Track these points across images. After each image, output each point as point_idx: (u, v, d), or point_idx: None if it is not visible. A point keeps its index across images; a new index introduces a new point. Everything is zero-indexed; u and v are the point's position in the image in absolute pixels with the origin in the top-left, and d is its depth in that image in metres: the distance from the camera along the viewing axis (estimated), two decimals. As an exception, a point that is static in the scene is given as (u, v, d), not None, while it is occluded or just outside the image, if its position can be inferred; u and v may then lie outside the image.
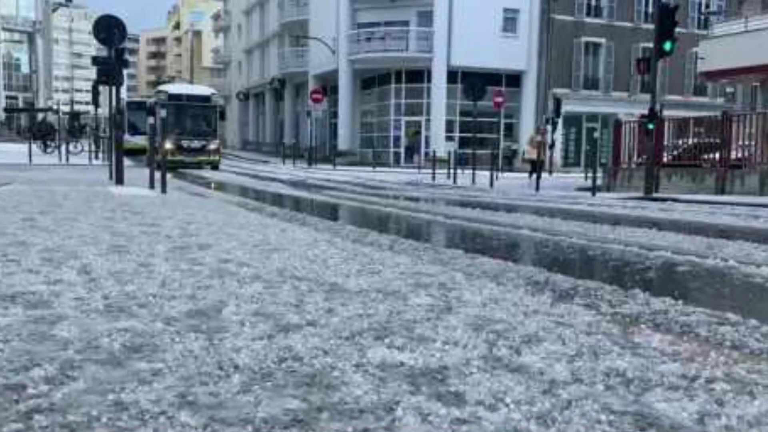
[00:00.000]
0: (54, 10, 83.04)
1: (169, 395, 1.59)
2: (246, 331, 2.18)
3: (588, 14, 34.68)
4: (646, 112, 14.38)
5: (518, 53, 33.20)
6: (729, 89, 34.28)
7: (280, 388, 1.67)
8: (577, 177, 22.92)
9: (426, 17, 32.78)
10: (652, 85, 14.74)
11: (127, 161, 13.48)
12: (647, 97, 15.05)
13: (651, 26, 16.31)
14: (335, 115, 37.03)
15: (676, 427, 1.50)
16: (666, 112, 19.59)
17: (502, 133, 33.18)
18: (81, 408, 1.50)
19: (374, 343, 2.09)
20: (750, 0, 30.00)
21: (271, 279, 3.13)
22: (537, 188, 15.64)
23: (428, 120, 33.15)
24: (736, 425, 1.50)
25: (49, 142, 30.08)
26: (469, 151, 22.28)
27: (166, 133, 14.32)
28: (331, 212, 8.74)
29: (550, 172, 26.07)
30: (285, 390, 1.66)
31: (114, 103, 13.03)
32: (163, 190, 10.16)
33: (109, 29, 12.10)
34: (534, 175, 17.84)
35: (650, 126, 13.97)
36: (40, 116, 44.87)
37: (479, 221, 7.31)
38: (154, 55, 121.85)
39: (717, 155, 13.83)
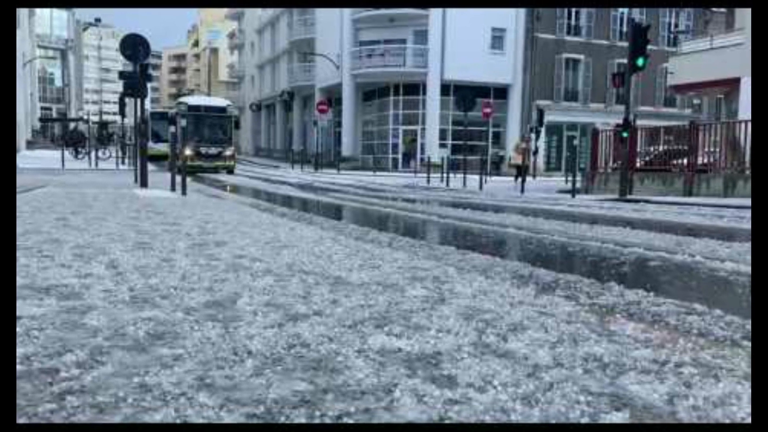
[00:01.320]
0: (84, 29, 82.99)
1: (188, 378, 1.60)
2: (258, 320, 2.18)
3: (568, 33, 34.74)
4: (620, 121, 14.39)
5: (505, 68, 33.26)
6: (696, 101, 34.36)
7: (289, 372, 1.67)
8: (559, 180, 22.93)
9: (421, 36, 32.84)
10: (626, 97, 14.74)
11: (150, 166, 13.50)
12: (622, 108, 15.06)
13: (625, 44, 16.30)
14: (339, 124, 37.06)
15: (648, 407, 1.50)
16: (639, 122, 19.66)
17: (490, 140, 33.33)
18: (109, 390, 1.51)
19: (374, 331, 2.09)
20: (715, 20, 30.04)
21: (281, 273, 3.13)
22: (522, 191, 15.64)
23: (423, 129, 33.20)
24: (702, 405, 1.50)
25: (80, 149, 30.11)
26: (460, 156, 22.30)
27: (186, 140, 14.31)
28: (335, 212, 8.74)
29: (534, 176, 26.08)
30: (294, 373, 1.66)
31: (139, 113, 13.04)
32: (183, 192, 10.15)
33: (134, 47, 12.11)
34: (519, 179, 17.85)
35: (624, 134, 13.98)
36: (71, 125, 44.90)
37: (470, 220, 7.31)
38: (175, 70, 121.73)
39: (685, 161, 13.84)
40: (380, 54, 33.62)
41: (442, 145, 32.23)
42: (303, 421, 1.37)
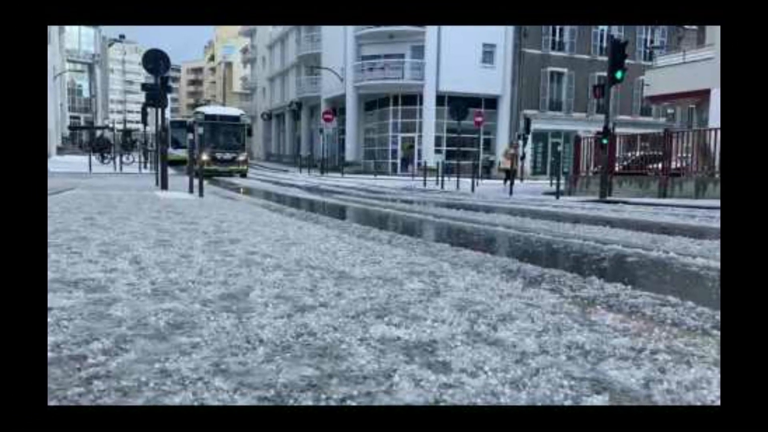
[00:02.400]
0: (110, 45, 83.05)
1: (205, 364, 1.60)
2: (269, 311, 2.18)
3: (553, 48, 34.75)
4: (601, 129, 14.39)
5: (495, 81, 33.27)
6: (670, 110, 34.39)
7: (298, 359, 1.67)
8: (544, 183, 22.93)
9: (418, 51, 32.85)
10: (606, 107, 14.74)
11: (170, 170, 13.49)
12: (602, 117, 15.04)
13: (605, 58, 16.30)
14: (343, 131, 37.08)
15: (626, 390, 1.50)
16: (617, 130, 19.66)
17: (481, 146, 33.35)
18: (132, 375, 1.51)
19: (375, 321, 2.09)
20: (687, 37, 30.03)
21: (290, 268, 3.13)
22: (510, 193, 15.63)
23: (420, 136, 33.22)
24: (676, 389, 1.50)
25: (105, 155, 30.08)
26: (454, 161, 22.26)
27: (202, 147, 14.28)
28: (339, 212, 8.73)
29: (522, 179, 26.05)
30: (301, 360, 1.66)
31: (159, 121, 13.04)
32: (201, 194, 10.15)
33: (155, 61, 12.10)
34: (508, 182, 17.84)
35: (604, 141, 13.98)
36: (98, 133, 44.86)
37: (463, 220, 7.30)
38: (192, 82, 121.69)
39: (660, 165, 13.84)
40: (381, 68, 33.66)
41: (437, 151, 32.23)
42: (310, 403, 1.37)
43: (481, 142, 33.35)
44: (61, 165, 23.29)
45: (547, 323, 2.10)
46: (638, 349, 1.83)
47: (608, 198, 13.21)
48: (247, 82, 71.82)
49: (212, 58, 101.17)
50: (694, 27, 27.55)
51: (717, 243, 4.87)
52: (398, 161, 34.32)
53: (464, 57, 31.78)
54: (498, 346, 1.82)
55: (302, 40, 43.73)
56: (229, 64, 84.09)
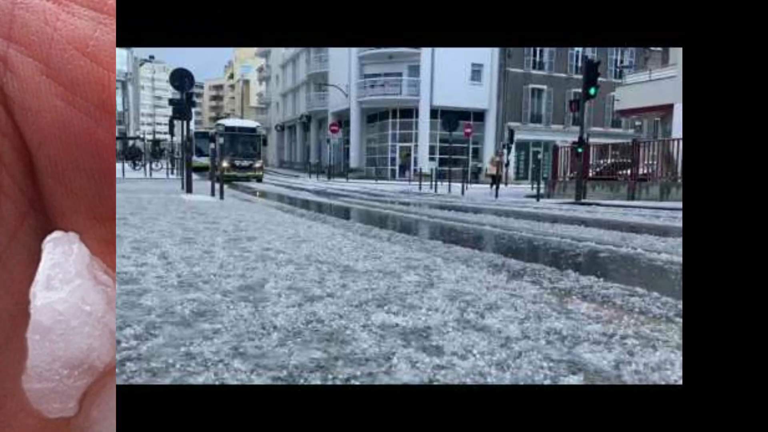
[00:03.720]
0: (141, 65, 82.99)
1: (225, 348, 1.60)
2: (282, 301, 2.18)
3: (534, 67, 34.75)
4: (576, 139, 14.39)
5: (482, 96, 33.28)
6: (638, 123, 34.36)
7: (307, 343, 1.67)
8: (526, 188, 22.88)
9: (415, 70, 32.86)
10: (581, 120, 14.73)
11: (194, 176, 13.44)
12: (577, 128, 15.04)
13: (580, 76, 16.30)
14: (348, 141, 37.06)
15: (599, 371, 1.50)
16: (591, 140, 19.60)
17: (470, 155, 33.32)
18: (161, 357, 1.51)
19: (376, 309, 2.09)
20: (653, 57, 30.03)
21: (300, 262, 3.13)
22: (496, 196, 15.63)
23: (416, 145, 33.20)
24: (643, 370, 1.50)
25: (137, 162, 30.09)
26: (446, 168, 22.23)
27: (223, 155, 14.28)
28: (344, 213, 8.71)
29: (506, 184, 26.04)
30: (311, 344, 1.66)
31: (185, 132, 13.03)
32: (221, 197, 10.14)
33: (181, 79, 12.09)
34: (494, 186, 17.83)
35: (579, 150, 13.97)
36: (130, 143, 44.81)
37: (453, 220, 7.30)
38: (214, 98, 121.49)
39: (629, 171, 13.84)
40: (381, 85, 33.66)
41: (431, 159, 32.18)
42: (318, 382, 1.37)
43: (470, 150, 33.32)
44: (97, 171, 23.20)
45: (529, 311, 2.10)
46: (609, 335, 1.83)
47: (583, 200, 13.20)
48: (262, 97, 71.78)
49: (232, 77, 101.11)
50: (659, 48, 27.54)
51: (679, 240, 4.87)
52: (396, 168, 34.29)
53: (455, 75, 31.80)
54: (485, 332, 1.82)
55: (311, 60, 43.71)
56: (246, 82, 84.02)
